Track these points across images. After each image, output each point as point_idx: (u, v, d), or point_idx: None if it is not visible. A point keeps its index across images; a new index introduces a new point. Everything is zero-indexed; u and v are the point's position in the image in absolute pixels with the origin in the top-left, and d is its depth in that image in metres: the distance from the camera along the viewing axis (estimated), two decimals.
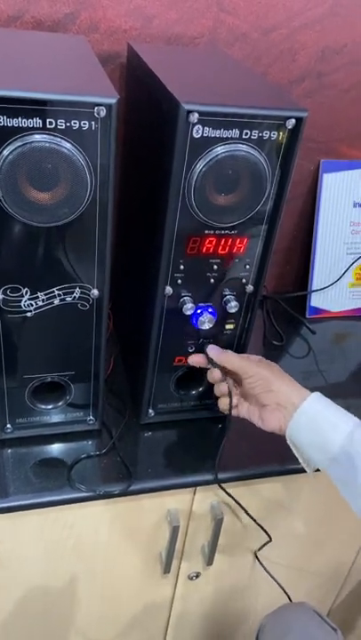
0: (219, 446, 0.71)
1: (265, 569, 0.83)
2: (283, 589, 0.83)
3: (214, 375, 0.67)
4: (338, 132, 0.93)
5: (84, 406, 0.69)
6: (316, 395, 0.62)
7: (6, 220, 0.52)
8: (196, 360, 0.68)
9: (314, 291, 1.01)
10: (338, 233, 1.00)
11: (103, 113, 0.49)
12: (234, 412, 0.67)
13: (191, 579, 0.83)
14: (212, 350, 0.67)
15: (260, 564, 0.83)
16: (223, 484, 0.69)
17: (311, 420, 0.59)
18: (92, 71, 0.57)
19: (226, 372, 0.67)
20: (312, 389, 0.86)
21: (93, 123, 0.49)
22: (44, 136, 0.49)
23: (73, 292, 0.59)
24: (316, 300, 1.03)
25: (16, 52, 0.61)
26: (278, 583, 0.83)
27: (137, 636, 0.88)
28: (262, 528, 0.74)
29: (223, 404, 0.67)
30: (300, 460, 0.61)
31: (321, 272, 1.01)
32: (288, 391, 0.62)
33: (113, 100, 0.48)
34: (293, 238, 1.03)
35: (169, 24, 0.77)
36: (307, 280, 1.02)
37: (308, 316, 1.02)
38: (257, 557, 0.83)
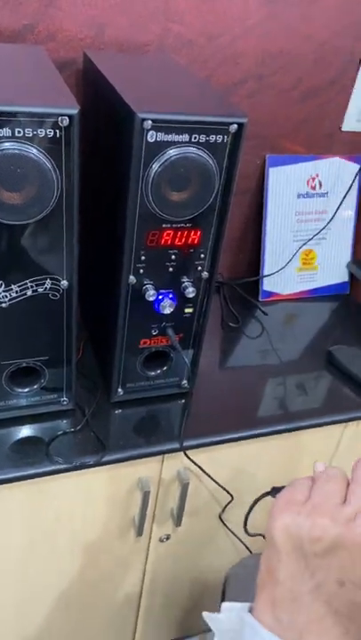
0: (183, 417, 0.79)
1: (229, 529, 0.91)
2: (245, 546, 0.92)
3: None
4: (280, 128, 1.01)
5: (58, 388, 0.75)
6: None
7: None
8: None
9: (265, 276, 1.10)
10: (285, 222, 1.09)
11: (66, 122, 0.55)
12: None
13: (162, 541, 0.90)
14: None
15: (225, 525, 0.92)
16: (188, 452, 0.76)
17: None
18: (53, 82, 0.63)
19: None
20: (267, 366, 0.95)
21: (57, 131, 0.55)
22: (13, 144, 0.54)
23: (44, 284, 0.65)
24: (267, 285, 1.11)
25: None
26: (242, 541, 0.92)
27: (115, 596, 0.96)
28: (223, 488, 0.82)
29: None
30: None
31: (271, 258, 1.10)
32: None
33: (75, 111, 0.55)
34: (245, 229, 1.11)
35: (120, 32, 0.83)
36: (259, 267, 1.10)
37: (260, 300, 1.11)
38: (221, 520, 0.92)
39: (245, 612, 0.43)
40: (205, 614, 0.46)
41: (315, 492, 0.42)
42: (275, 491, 0.50)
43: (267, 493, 0.52)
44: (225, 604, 0.45)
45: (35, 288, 0.65)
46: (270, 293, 1.12)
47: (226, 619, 0.44)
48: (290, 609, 0.41)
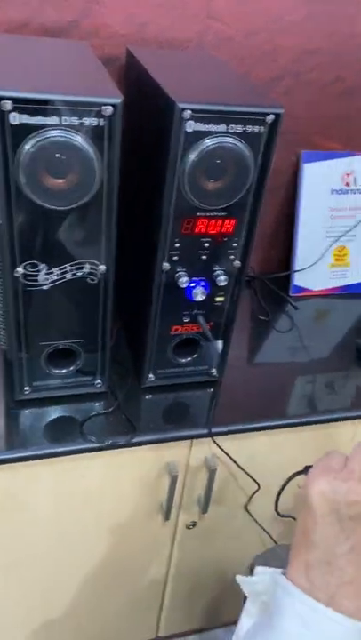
0: (212, 405, 0.81)
1: (255, 519, 0.92)
2: (271, 537, 0.93)
3: None
4: (315, 125, 1.02)
5: (93, 372, 0.78)
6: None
7: (27, 203, 0.61)
8: None
9: (296, 271, 1.11)
10: (318, 218, 1.10)
11: (110, 111, 0.57)
12: None
13: (189, 527, 0.92)
14: None
15: (251, 515, 0.93)
16: (216, 438, 0.78)
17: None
18: (98, 74, 0.66)
19: None
20: (296, 361, 0.96)
21: (101, 119, 0.58)
22: (60, 131, 0.57)
23: (83, 268, 0.68)
24: (298, 280, 1.12)
25: (30, 56, 0.70)
26: (267, 532, 0.93)
27: (141, 580, 0.98)
28: (250, 476, 0.83)
29: None
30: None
31: (303, 254, 1.11)
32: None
33: (118, 100, 0.57)
34: (277, 224, 1.12)
35: (162, 29, 0.86)
36: (290, 264, 1.11)
37: (291, 294, 1.12)
38: (247, 510, 0.93)
39: (279, 575, 0.45)
40: (239, 577, 0.47)
41: (351, 461, 0.44)
42: (307, 469, 0.51)
43: (299, 472, 0.53)
44: (258, 568, 0.47)
45: (74, 272, 0.68)
46: (301, 289, 1.13)
47: (260, 581, 0.46)
48: (323, 571, 0.42)
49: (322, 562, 0.43)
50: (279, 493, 0.62)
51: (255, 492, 0.87)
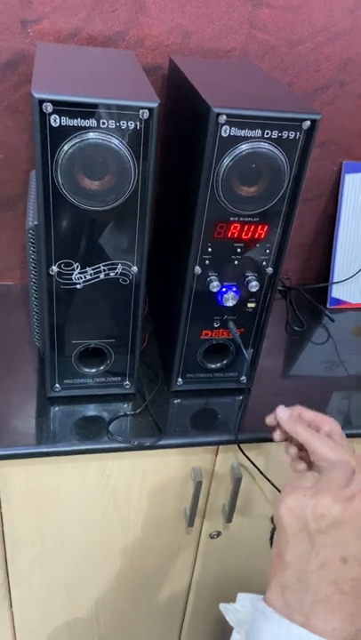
0: (239, 412, 0.80)
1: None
2: None
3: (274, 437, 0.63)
4: (359, 135, 1.01)
5: (122, 372, 0.79)
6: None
7: (63, 203, 0.63)
8: (269, 421, 0.63)
9: (335, 283, 1.09)
10: (358, 229, 1.07)
11: (146, 115, 0.59)
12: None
13: (212, 537, 0.91)
14: (281, 413, 0.61)
15: (275, 528, 0.91)
16: (243, 446, 0.77)
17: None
18: (138, 80, 0.68)
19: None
20: (330, 374, 0.94)
21: (138, 123, 0.59)
22: (97, 134, 0.59)
23: (116, 268, 0.69)
24: (336, 292, 1.10)
25: (75, 64, 0.72)
26: None
27: (163, 587, 0.97)
28: (276, 487, 0.81)
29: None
30: None
31: (341, 265, 1.09)
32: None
33: (155, 104, 0.59)
34: (315, 235, 1.11)
35: (206, 39, 0.87)
36: (328, 276, 1.09)
37: (328, 307, 1.10)
38: (273, 522, 0.91)
39: (258, 600, 0.44)
40: (222, 606, 0.47)
41: (320, 479, 0.43)
42: None
43: None
44: (240, 594, 0.46)
45: (107, 272, 0.69)
46: (339, 301, 1.11)
47: (241, 608, 0.45)
48: (297, 590, 0.42)
49: (296, 581, 0.42)
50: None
51: None
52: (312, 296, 1.11)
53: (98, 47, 0.85)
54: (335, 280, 1.09)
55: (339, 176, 1.04)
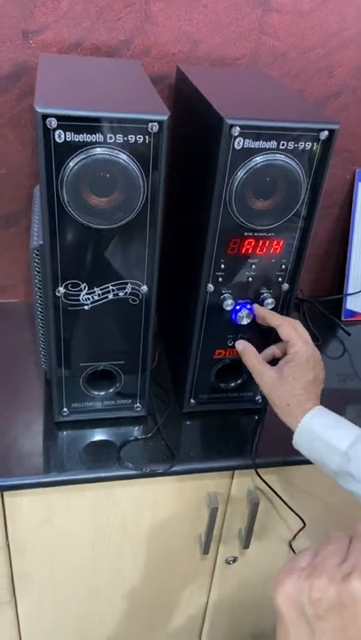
0: (256, 434, 0.76)
1: None
2: None
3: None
4: None
5: (132, 394, 0.76)
6: (316, 410, 0.63)
7: (69, 222, 0.60)
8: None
9: (349, 294, 1.05)
10: None
11: (156, 128, 0.56)
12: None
13: (229, 563, 0.87)
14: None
15: (295, 553, 0.87)
16: (260, 470, 0.74)
17: (309, 440, 0.62)
18: (145, 91, 0.65)
19: None
20: (347, 389, 0.91)
21: (147, 137, 0.56)
22: (104, 149, 0.56)
23: (125, 288, 0.66)
24: (351, 304, 1.06)
25: (79, 76, 0.70)
26: None
27: (177, 615, 0.93)
28: (296, 513, 0.78)
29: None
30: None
31: (356, 276, 1.05)
32: (301, 395, 0.64)
33: (165, 117, 0.55)
34: (329, 245, 1.07)
35: (214, 47, 0.84)
36: (342, 286, 1.06)
37: (343, 319, 1.06)
38: (291, 547, 0.87)
39: None
40: None
41: (316, 556, 0.40)
42: None
43: None
44: None
45: (116, 292, 0.66)
46: (354, 313, 1.07)
47: None
48: None
49: None
50: None
51: (301, 529, 0.81)
52: (325, 308, 1.08)
53: (102, 57, 0.82)
54: (350, 291, 1.05)
55: (352, 184, 1.01)
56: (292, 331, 0.67)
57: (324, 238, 1.06)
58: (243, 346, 0.71)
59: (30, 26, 0.78)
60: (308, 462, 0.75)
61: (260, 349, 0.74)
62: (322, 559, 0.39)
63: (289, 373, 0.65)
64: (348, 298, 1.06)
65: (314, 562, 0.40)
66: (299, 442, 0.64)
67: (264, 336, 0.74)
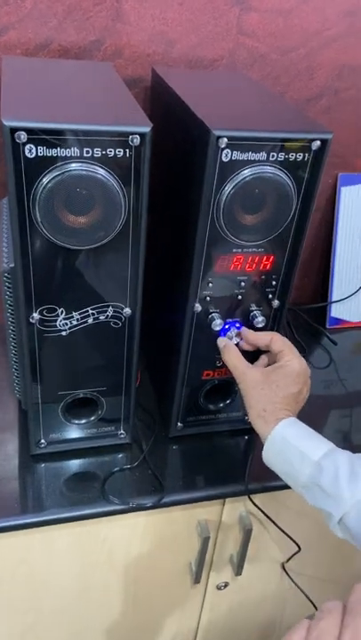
0: (247, 458, 0.73)
1: (293, 581, 0.83)
2: (311, 601, 0.84)
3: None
4: (356, 146, 0.95)
5: (115, 420, 0.71)
6: (291, 420, 0.60)
7: (44, 242, 0.54)
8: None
9: (334, 301, 1.03)
10: (356, 244, 1.01)
11: (137, 141, 0.51)
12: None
13: (220, 588, 0.84)
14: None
15: (288, 576, 0.84)
16: (252, 495, 0.70)
17: (280, 450, 0.59)
18: (123, 99, 0.60)
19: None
20: (334, 400, 0.88)
21: (127, 150, 0.51)
22: (81, 164, 0.51)
23: (106, 311, 0.61)
24: (336, 311, 1.04)
25: (49, 81, 0.64)
26: (306, 595, 0.84)
27: None
28: (291, 538, 0.75)
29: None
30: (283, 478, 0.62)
31: (340, 283, 1.03)
32: (279, 405, 0.61)
33: (147, 129, 0.51)
34: (312, 251, 1.04)
35: (190, 48, 0.79)
36: (325, 292, 1.03)
37: (328, 327, 1.04)
38: (285, 569, 0.84)
39: None
40: None
41: (309, 634, 0.38)
42: None
43: None
44: None
45: (96, 316, 0.61)
46: (339, 320, 1.05)
47: None
48: None
49: None
50: None
51: (295, 553, 0.78)
52: (310, 316, 1.05)
53: (72, 59, 0.76)
54: (334, 299, 1.03)
55: (334, 189, 0.98)
56: (286, 342, 0.65)
57: (307, 244, 1.03)
58: (224, 343, 0.67)
59: None
60: None
61: None
62: (314, 639, 0.37)
63: (275, 380, 0.62)
64: (333, 305, 1.03)
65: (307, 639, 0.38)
66: (269, 451, 0.60)
67: (254, 355, 0.70)
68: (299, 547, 0.76)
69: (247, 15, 0.79)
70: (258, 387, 0.62)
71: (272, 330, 0.69)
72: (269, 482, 0.71)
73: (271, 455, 0.60)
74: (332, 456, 0.57)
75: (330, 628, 0.37)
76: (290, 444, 0.58)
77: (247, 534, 0.74)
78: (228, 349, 0.66)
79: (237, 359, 0.65)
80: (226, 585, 0.84)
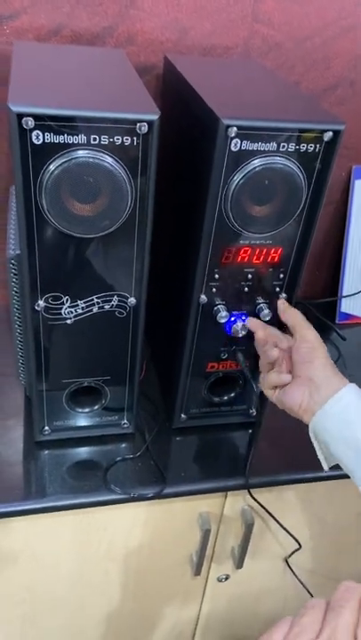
0: (250, 451, 0.72)
1: (296, 576, 0.83)
2: (311, 595, 0.84)
3: (259, 335, 0.64)
4: None
5: (119, 410, 0.71)
6: (353, 386, 0.58)
7: (49, 230, 0.54)
8: (252, 324, 0.65)
9: (344, 296, 1.01)
10: None
11: (145, 129, 0.50)
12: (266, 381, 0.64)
13: (220, 581, 0.84)
14: (282, 305, 0.65)
15: (292, 571, 0.84)
16: (254, 490, 0.70)
17: (344, 411, 0.56)
18: (132, 87, 0.59)
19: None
20: None
21: (135, 138, 0.51)
22: (88, 152, 0.50)
23: (111, 300, 0.61)
24: (346, 306, 1.02)
25: (59, 67, 0.63)
26: (308, 590, 0.84)
27: (167, 636, 0.90)
28: (292, 535, 0.74)
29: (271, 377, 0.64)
30: (319, 454, 0.59)
31: (351, 278, 1.01)
32: (329, 371, 0.59)
33: (154, 117, 0.50)
34: (324, 245, 1.03)
35: (204, 35, 0.78)
36: (336, 287, 1.02)
37: (337, 322, 1.02)
38: (288, 564, 0.84)
39: None
40: None
41: (291, 630, 0.38)
42: None
43: None
44: None
45: (101, 305, 0.61)
46: (349, 316, 1.03)
47: None
48: None
49: None
50: None
51: (295, 550, 0.78)
52: (319, 310, 1.03)
53: (84, 46, 0.75)
54: (345, 293, 1.01)
55: (348, 182, 0.96)
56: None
57: (319, 238, 1.02)
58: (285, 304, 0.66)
59: (4, 10, 0.71)
60: (302, 481, 0.72)
61: (253, 361, 0.70)
62: (295, 635, 0.37)
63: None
64: (343, 300, 1.02)
65: (288, 637, 0.38)
66: (326, 415, 0.57)
67: None
68: (299, 544, 0.76)
69: (263, 3, 0.78)
70: (321, 343, 0.62)
71: (279, 323, 0.69)
72: (271, 477, 0.71)
73: (327, 417, 0.57)
74: None
75: (311, 624, 0.37)
76: (357, 407, 0.56)
77: (249, 528, 0.74)
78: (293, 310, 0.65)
79: (299, 316, 0.64)
80: (227, 577, 0.84)
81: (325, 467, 0.60)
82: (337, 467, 0.60)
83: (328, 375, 0.59)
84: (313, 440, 0.60)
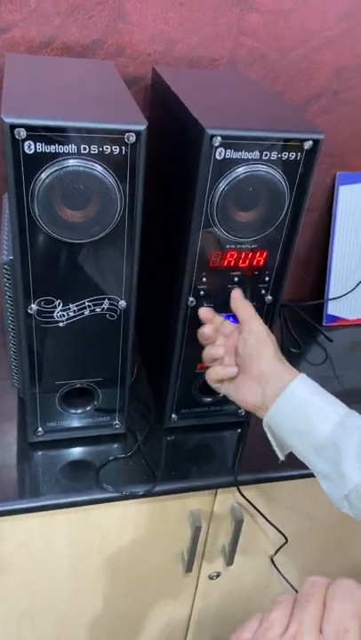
0: (239, 450, 0.74)
1: (280, 573, 0.85)
2: (297, 592, 0.85)
3: (205, 331, 0.63)
4: (354, 145, 0.96)
5: (111, 411, 0.73)
6: (304, 377, 0.58)
7: (42, 236, 0.56)
8: (204, 315, 0.64)
9: (331, 299, 1.04)
10: (354, 242, 1.03)
11: (133, 139, 0.53)
12: (213, 374, 0.63)
13: (212, 578, 0.85)
14: (235, 293, 0.64)
15: (277, 568, 0.85)
16: (244, 487, 0.72)
17: (297, 407, 0.56)
18: (121, 98, 0.61)
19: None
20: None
21: (124, 147, 0.53)
22: (78, 161, 0.52)
23: (102, 304, 0.63)
24: (332, 309, 1.05)
25: (49, 79, 0.66)
26: (293, 587, 0.86)
27: (160, 634, 0.91)
28: (278, 530, 0.76)
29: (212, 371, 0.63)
30: (273, 445, 0.60)
31: (337, 281, 1.04)
32: (278, 365, 0.59)
33: (142, 127, 0.52)
34: (310, 249, 1.06)
35: (191, 47, 0.81)
36: (323, 290, 1.04)
37: (324, 324, 1.05)
38: (273, 562, 0.86)
39: None
40: None
41: (261, 626, 0.38)
42: None
43: None
44: None
45: (92, 308, 0.63)
46: (335, 318, 1.06)
47: None
48: None
49: None
50: None
51: (283, 545, 0.80)
52: (306, 313, 1.06)
53: (74, 58, 0.78)
54: (331, 296, 1.04)
55: (333, 188, 0.99)
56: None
57: (306, 242, 1.05)
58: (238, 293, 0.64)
59: None
60: (292, 478, 0.74)
61: None
62: (264, 630, 0.38)
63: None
64: (330, 303, 1.04)
65: (257, 634, 0.38)
66: (279, 411, 0.57)
67: None
68: (286, 538, 0.78)
69: (248, 15, 0.81)
70: (270, 336, 0.61)
71: (265, 324, 0.71)
72: (260, 474, 0.73)
73: (281, 413, 0.57)
74: (353, 416, 0.55)
75: (280, 620, 0.37)
76: (310, 402, 0.56)
77: (238, 525, 0.76)
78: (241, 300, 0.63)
79: (251, 309, 0.63)
80: (218, 575, 0.86)
81: (281, 456, 0.61)
82: None
83: (278, 369, 0.59)
84: (268, 433, 0.60)
